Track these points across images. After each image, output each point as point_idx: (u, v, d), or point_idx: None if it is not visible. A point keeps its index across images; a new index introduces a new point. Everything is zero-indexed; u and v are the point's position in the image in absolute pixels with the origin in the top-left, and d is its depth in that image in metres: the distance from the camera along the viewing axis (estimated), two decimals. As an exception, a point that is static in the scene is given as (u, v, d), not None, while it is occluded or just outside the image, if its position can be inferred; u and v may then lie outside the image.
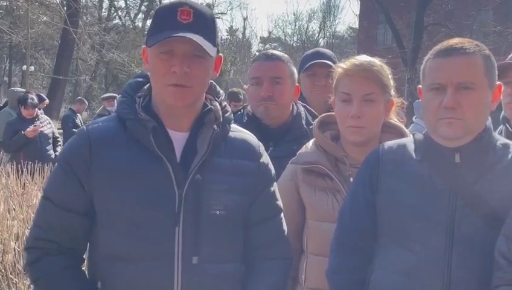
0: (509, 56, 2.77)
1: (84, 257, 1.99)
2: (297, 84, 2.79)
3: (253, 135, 2.07)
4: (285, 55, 2.80)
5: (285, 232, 2.08)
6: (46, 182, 1.98)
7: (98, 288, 1.87)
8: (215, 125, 1.90)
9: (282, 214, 2.07)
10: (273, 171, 2.06)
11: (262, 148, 2.04)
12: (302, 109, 2.81)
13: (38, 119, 7.83)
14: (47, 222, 1.89)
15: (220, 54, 1.97)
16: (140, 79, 1.99)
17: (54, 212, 1.87)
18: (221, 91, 2.04)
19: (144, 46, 1.93)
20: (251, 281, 1.96)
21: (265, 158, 2.04)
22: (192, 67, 1.81)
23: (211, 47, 1.84)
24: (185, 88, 1.82)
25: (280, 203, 2.07)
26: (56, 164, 1.97)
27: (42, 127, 7.79)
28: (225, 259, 1.90)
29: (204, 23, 1.85)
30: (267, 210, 2.02)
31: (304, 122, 2.74)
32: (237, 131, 2.02)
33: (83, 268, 1.98)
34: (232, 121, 2.01)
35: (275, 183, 2.08)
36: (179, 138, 1.89)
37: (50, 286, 1.88)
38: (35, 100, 7.81)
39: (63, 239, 1.88)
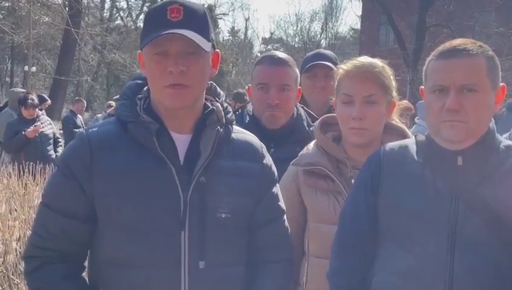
0: None
1: (84, 264, 1.95)
2: (299, 86, 2.78)
3: (255, 136, 2.05)
4: (290, 58, 2.76)
5: (289, 234, 2.06)
6: (45, 188, 1.93)
7: None
8: (218, 127, 1.88)
9: (285, 216, 2.06)
10: (275, 172, 2.05)
11: (264, 150, 2.02)
12: (302, 111, 2.79)
13: (39, 120, 7.83)
14: (46, 230, 1.84)
15: (217, 50, 1.93)
16: (140, 81, 1.96)
17: (53, 219, 1.83)
18: (222, 92, 2.02)
19: (139, 51, 1.90)
20: (255, 285, 1.95)
21: (268, 159, 2.02)
22: (188, 65, 1.78)
23: (204, 41, 1.80)
24: (182, 88, 1.78)
25: (283, 204, 2.06)
26: (55, 168, 1.92)
27: (43, 127, 7.79)
28: (231, 263, 1.88)
29: (196, 18, 1.81)
30: (270, 212, 2.00)
31: (305, 124, 2.72)
32: (239, 132, 2.00)
33: (84, 275, 1.94)
34: (234, 122, 1.99)
35: (277, 184, 2.06)
36: (181, 140, 1.86)
37: None
38: (36, 100, 7.81)
39: (64, 247, 1.83)
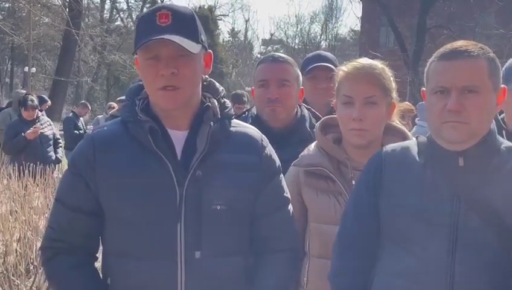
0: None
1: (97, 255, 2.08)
2: (301, 87, 2.80)
3: (255, 129, 2.10)
4: (291, 58, 2.82)
5: (294, 224, 2.10)
6: (58, 185, 2.10)
7: (108, 284, 1.95)
8: (211, 122, 1.93)
9: (290, 206, 2.10)
10: (277, 162, 2.09)
11: (265, 141, 2.07)
12: (306, 112, 2.82)
13: (38, 121, 7.83)
14: (58, 223, 1.98)
15: (209, 50, 2.01)
16: (141, 82, 2.03)
17: (64, 214, 1.96)
18: (221, 88, 2.08)
19: (135, 55, 1.98)
20: (259, 275, 2.00)
21: (269, 151, 2.06)
22: (179, 67, 1.86)
23: (193, 45, 1.87)
24: (174, 90, 1.87)
25: (287, 194, 2.10)
26: (67, 167, 2.06)
27: (43, 128, 7.80)
28: (228, 253, 1.93)
29: (184, 22, 1.89)
30: (273, 202, 2.05)
31: (307, 124, 2.75)
32: (239, 126, 2.06)
33: (96, 266, 2.06)
34: (233, 117, 2.05)
35: (281, 174, 2.10)
36: (178, 137, 1.94)
37: (61, 284, 1.99)
38: (36, 102, 7.82)
39: (74, 239, 1.96)
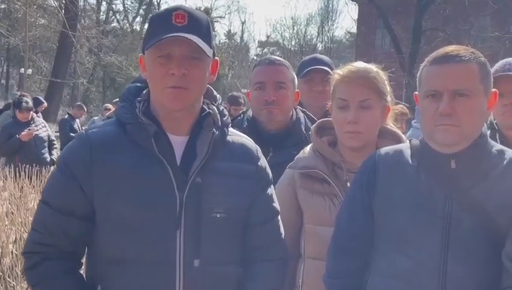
0: (495, 68, 2.76)
1: (82, 260, 1.98)
2: (297, 90, 2.82)
3: (250, 139, 2.09)
4: (287, 62, 2.84)
5: (282, 234, 2.10)
6: (44, 186, 1.98)
7: None
8: (214, 129, 1.92)
9: (279, 217, 2.10)
10: (270, 174, 2.08)
11: (259, 152, 2.06)
12: (301, 115, 2.83)
13: (33, 122, 7.82)
14: (46, 227, 1.88)
15: (216, 58, 1.99)
16: (139, 84, 2.00)
17: (53, 217, 1.87)
18: (218, 95, 2.06)
19: (140, 54, 1.95)
20: (250, 283, 1.98)
21: (263, 161, 2.06)
22: (190, 69, 1.83)
23: (207, 47, 1.85)
24: (182, 90, 1.83)
25: (277, 205, 2.09)
26: (54, 167, 1.96)
27: (37, 130, 7.78)
28: (226, 261, 1.92)
29: (200, 25, 1.87)
30: (265, 212, 2.03)
31: (303, 127, 2.76)
32: (235, 135, 2.04)
33: (81, 272, 1.97)
34: (230, 125, 2.03)
35: (272, 185, 2.10)
36: (178, 142, 1.91)
37: None
38: (30, 103, 7.81)
39: (63, 244, 1.87)
